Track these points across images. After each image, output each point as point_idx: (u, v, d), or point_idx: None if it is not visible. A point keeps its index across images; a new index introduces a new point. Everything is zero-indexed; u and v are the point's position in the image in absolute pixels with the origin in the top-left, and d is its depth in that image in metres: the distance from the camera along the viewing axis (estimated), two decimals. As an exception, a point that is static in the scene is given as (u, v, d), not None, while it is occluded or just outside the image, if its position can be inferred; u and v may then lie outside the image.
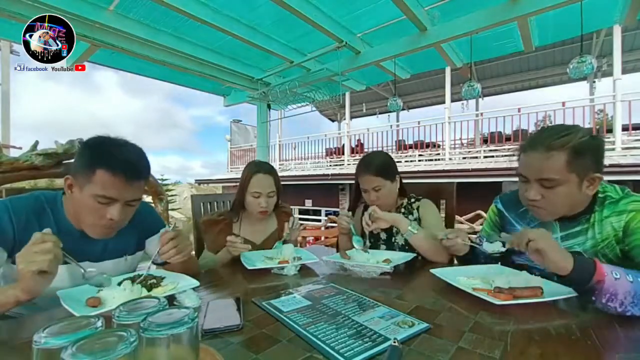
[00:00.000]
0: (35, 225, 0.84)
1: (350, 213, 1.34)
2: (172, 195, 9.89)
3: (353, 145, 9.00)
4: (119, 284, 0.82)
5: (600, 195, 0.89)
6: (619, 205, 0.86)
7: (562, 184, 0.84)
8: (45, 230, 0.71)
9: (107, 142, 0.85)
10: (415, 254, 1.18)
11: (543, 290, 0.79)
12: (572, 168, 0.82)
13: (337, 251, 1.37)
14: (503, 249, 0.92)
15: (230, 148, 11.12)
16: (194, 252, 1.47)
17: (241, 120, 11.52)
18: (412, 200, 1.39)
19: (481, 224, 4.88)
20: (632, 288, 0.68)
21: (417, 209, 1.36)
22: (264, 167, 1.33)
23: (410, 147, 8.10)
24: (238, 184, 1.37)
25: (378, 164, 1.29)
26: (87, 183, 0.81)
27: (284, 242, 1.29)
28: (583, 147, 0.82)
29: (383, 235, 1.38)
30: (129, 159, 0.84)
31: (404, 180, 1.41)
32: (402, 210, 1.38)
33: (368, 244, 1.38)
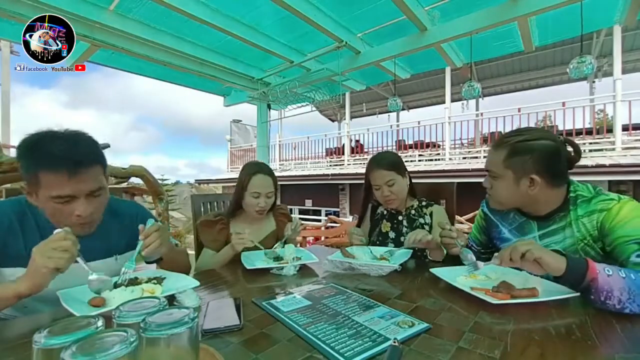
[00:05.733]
0: (18, 229, 0.84)
1: (360, 231, 1.33)
2: (172, 196, 9.88)
3: (353, 145, 9.01)
4: (119, 284, 0.82)
5: (572, 194, 0.91)
6: (591, 204, 0.87)
7: (498, 177, 0.94)
8: (65, 228, 0.72)
9: (38, 140, 0.79)
10: (412, 250, 1.18)
11: (541, 290, 0.79)
12: (507, 164, 0.91)
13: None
14: (472, 269, 0.94)
15: (230, 148, 11.12)
16: (192, 251, 1.47)
17: (241, 120, 11.52)
18: (424, 203, 1.39)
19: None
20: (625, 284, 0.69)
21: (430, 214, 1.35)
22: (263, 169, 1.35)
23: (410, 147, 8.09)
24: (236, 184, 1.38)
25: (389, 159, 1.33)
26: (37, 188, 0.78)
27: (285, 241, 1.30)
28: (522, 147, 0.89)
29: (392, 235, 1.38)
30: (64, 152, 0.77)
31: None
32: (412, 211, 1.37)
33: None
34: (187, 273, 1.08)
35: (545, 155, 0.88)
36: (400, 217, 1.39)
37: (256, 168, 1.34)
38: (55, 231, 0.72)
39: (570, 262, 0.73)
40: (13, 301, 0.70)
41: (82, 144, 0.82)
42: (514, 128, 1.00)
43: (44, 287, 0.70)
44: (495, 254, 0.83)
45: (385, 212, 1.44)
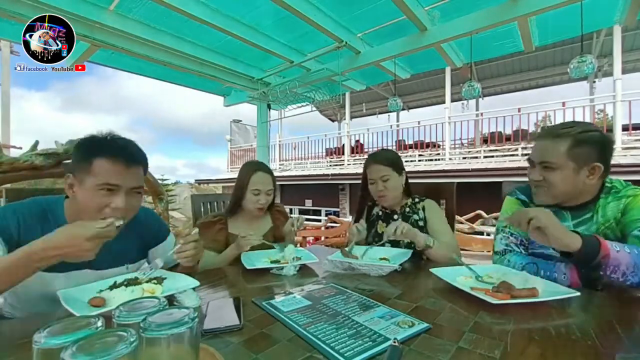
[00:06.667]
0: (38, 230, 0.83)
1: (365, 224, 1.31)
2: (172, 196, 9.89)
3: (353, 145, 9.01)
4: (119, 284, 0.82)
5: (607, 185, 0.96)
6: (621, 192, 0.94)
7: (559, 169, 0.92)
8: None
9: (99, 136, 0.87)
10: (412, 251, 1.19)
11: (541, 290, 0.79)
12: (570, 155, 0.91)
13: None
14: None
15: (230, 148, 11.12)
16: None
17: (241, 120, 11.52)
18: (417, 200, 1.41)
19: (482, 224, 4.87)
20: (631, 259, 0.76)
21: (423, 209, 1.38)
22: (263, 167, 1.40)
23: (410, 147, 8.10)
24: (235, 182, 1.40)
25: (386, 155, 1.38)
26: (86, 176, 0.81)
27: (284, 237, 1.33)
28: (584, 138, 0.90)
29: None
30: (124, 145, 0.87)
31: (404, 180, 1.42)
32: (407, 209, 1.39)
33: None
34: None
35: (604, 144, 0.91)
36: (395, 217, 1.40)
37: (256, 166, 1.38)
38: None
39: (585, 239, 0.77)
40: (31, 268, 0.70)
41: (136, 144, 0.91)
42: (546, 125, 1.04)
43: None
44: (507, 216, 0.91)
45: (380, 213, 1.45)
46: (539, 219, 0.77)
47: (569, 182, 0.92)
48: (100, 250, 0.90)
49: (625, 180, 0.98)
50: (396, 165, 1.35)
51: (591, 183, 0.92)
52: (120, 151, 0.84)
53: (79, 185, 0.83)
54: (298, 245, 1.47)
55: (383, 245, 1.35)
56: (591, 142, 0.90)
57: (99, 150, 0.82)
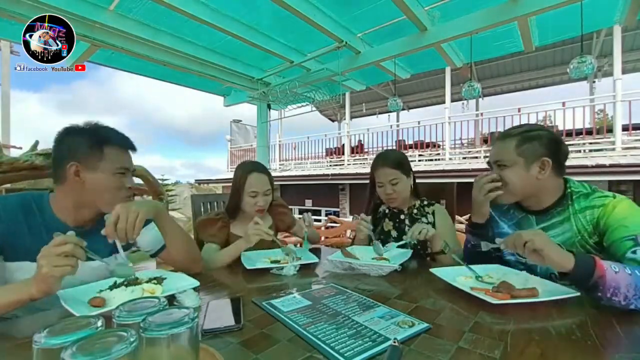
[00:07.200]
0: (23, 224, 0.85)
1: (369, 218, 1.30)
2: (172, 196, 9.88)
3: (353, 145, 9.00)
4: (119, 285, 0.82)
5: (568, 190, 0.98)
6: (587, 200, 0.93)
7: (511, 166, 0.98)
8: (69, 232, 0.73)
9: (96, 126, 0.94)
10: (411, 251, 1.18)
11: (541, 290, 0.79)
12: (519, 152, 0.97)
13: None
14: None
15: (231, 148, 11.12)
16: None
17: (241, 120, 11.52)
18: (425, 202, 1.40)
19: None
20: (632, 280, 0.70)
21: (432, 213, 1.36)
22: (258, 167, 1.35)
23: (410, 147, 8.09)
24: (231, 186, 1.36)
25: (395, 158, 1.34)
26: (99, 162, 0.89)
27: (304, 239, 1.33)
28: (529, 136, 0.97)
29: (394, 234, 1.38)
30: (123, 135, 0.98)
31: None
32: (415, 211, 1.38)
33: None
34: (198, 263, 1.09)
35: (551, 140, 0.96)
36: (402, 216, 1.39)
37: (251, 167, 1.34)
38: (55, 234, 0.71)
39: (578, 259, 0.73)
40: (25, 303, 0.72)
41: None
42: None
43: (56, 291, 0.71)
44: (498, 239, 0.87)
45: (387, 211, 1.44)
46: (533, 242, 0.75)
47: (522, 178, 0.97)
48: (91, 244, 0.91)
49: (620, 184, 0.97)
50: (404, 167, 1.33)
51: (544, 178, 0.95)
52: (123, 139, 0.96)
53: (88, 171, 0.88)
54: (298, 245, 1.46)
55: (387, 243, 1.35)
56: (536, 138, 0.96)
57: (108, 139, 0.92)
